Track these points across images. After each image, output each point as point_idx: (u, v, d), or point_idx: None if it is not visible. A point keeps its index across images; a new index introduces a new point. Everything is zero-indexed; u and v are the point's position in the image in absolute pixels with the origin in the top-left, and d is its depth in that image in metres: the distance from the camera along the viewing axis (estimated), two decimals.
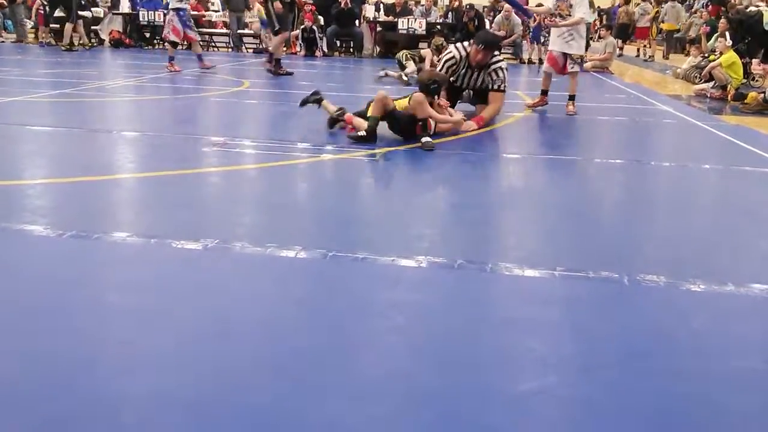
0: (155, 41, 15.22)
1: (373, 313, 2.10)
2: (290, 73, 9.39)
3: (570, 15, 6.35)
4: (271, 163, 4.20)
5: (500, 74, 5.73)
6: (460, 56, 5.73)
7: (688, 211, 3.51)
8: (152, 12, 14.80)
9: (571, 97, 6.64)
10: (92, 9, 14.97)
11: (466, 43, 5.82)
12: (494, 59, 5.74)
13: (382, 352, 1.85)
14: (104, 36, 15.30)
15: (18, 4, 14.89)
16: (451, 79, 5.72)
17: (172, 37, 9.71)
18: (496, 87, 5.75)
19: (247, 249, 2.59)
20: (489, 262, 2.50)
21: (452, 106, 5.64)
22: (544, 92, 6.82)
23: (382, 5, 16.22)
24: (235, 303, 2.14)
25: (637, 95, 8.57)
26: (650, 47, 16.75)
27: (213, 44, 15.59)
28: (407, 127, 4.75)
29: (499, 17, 13.44)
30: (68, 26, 13.30)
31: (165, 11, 11.44)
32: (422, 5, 16.39)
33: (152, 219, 3.06)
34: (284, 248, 2.58)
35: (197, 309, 2.09)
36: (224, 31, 15.96)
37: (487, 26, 13.42)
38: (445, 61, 5.78)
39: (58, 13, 13.70)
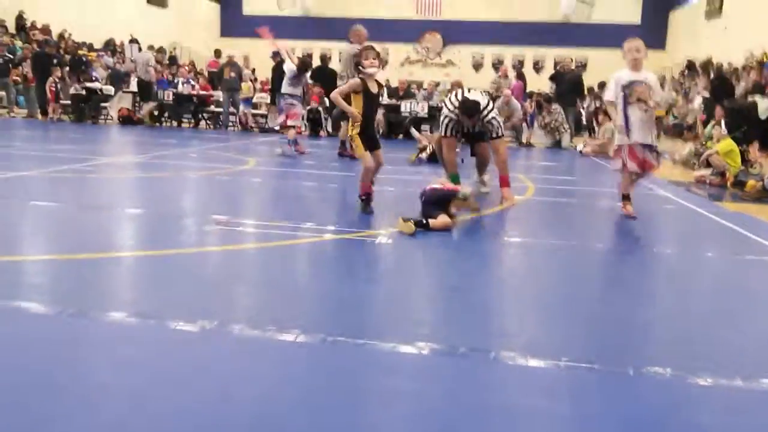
0: (162, 119, 15.60)
1: (373, 401, 2.04)
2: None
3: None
4: (272, 242, 4.19)
5: (494, 123, 6.09)
6: (454, 112, 6.03)
7: (693, 300, 3.47)
8: (162, 91, 15.25)
9: (626, 197, 5.67)
10: (102, 88, 15.43)
11: (452, 97, 6.15)
12: (484, 113, 6.00)
13: None
14: (113, 113, 15.69)
15: (31, 82, 15.35)
16: (456, 133, 6.22)
17: (291, 122, 9.90)
18: (495, 135, 6.11)
19: (245, 332, 2.55)
20: (492, 350, 2.45)
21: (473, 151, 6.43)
22: (627, 197, 5.67)
23: (386, 89, 16.69)
24: (231, 388, 2.08)
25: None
26: None
27: (220, 123, 15.93)
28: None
29: (499, 102, 13.81)
30: (149, 105, 14.25)
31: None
32: (425, 89, 16.90)
33: (151, 298, 3.02)
34: (283, 331, 2.54)
35: (192, 393, 2.03)
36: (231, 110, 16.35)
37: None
38: (446, 125, 6.15)
39: (72, 91, 14.13)
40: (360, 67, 5.14)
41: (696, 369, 2.34)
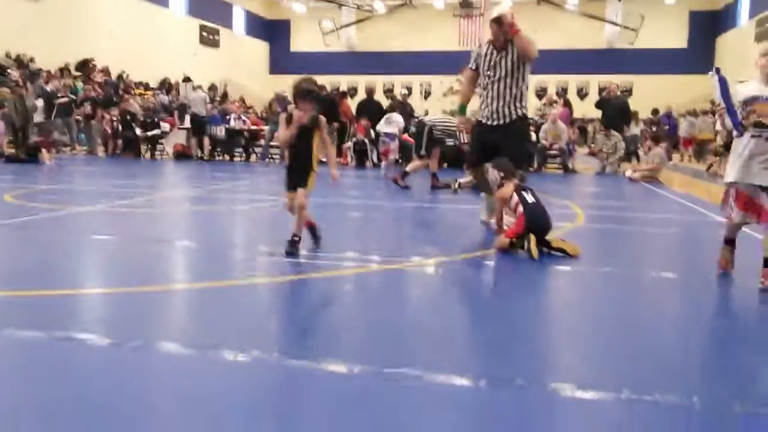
0: (215, 153, 16.03)
1: None
2: (407, 187, 9.42)
3: None
4: (321, 273, 4.24)
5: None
6: (481, 47, 5.81)
7: (757, 332, 3.35)
8: (214, 127, 15.71)
9: (729, 241, 4.32)
10: (161, 125, 16.06)
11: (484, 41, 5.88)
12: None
13: None
14: (169, 149, 16.23)
15: (93, 122, 16.08)
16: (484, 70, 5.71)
17: (392, 156, 10.02)
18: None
19: (290, 362, 2.58)
20: (550, 383, 2.41)
21: (478, 163, 5.79)
22: (731, 242, 4.31)
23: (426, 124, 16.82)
24: (284, 423, 2.11)
25: (689, 206, 8.47)
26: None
27: (270, 156, 16.25)
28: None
29: (546, 124, 13.74)
30: (205, 140, 15.02)
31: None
32: (470, 119, 16.91)
33: (207, 329, 3.09)
34: (335, 363, 2.56)
35: (238, 424, 2.07)
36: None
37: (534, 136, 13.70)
38: (472, 55, 5.91)
39: (128, 130, 14.76)
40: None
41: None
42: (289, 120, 4.55)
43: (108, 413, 2.12)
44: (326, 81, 25.67)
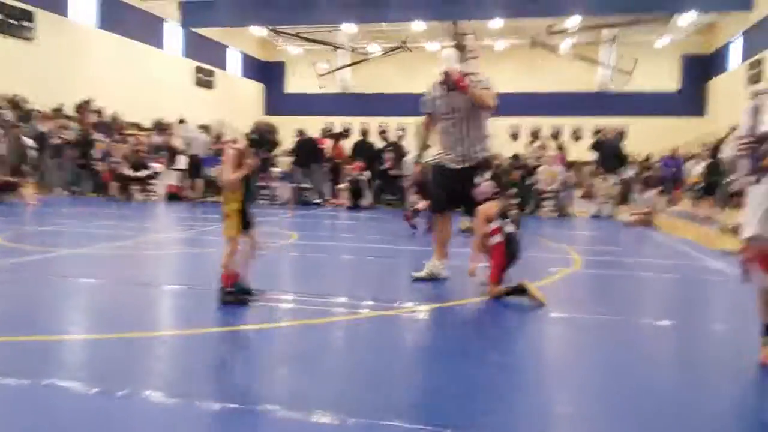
0: (207, 194, 16.00)
1: None
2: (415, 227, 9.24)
3: None
4: (313, 320, 4.15)
5: (481, 78, 5.44)
6: (435, 82, 5.58)
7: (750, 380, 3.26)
8: (208, 169, 15.71)
9: None
10: (150, 166, 16.03)
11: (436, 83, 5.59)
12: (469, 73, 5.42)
13: None
14: (160, 190, 16.18)
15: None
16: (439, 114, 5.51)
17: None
18: (482, 86, 5.40)
19: (278, 413, 2.49)
20: None
21: (454, 209, 5.65)
22: None
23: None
24: None
25: (685, 250, 8.43)
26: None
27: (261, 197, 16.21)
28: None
29: (542, 167, 13.84)
30: (198, 182, 14.97)
31: None
32: None
33: (186, 378, 2.99)
34: (319, 414, 2.47)
35: None
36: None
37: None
38: (423, 102, 5.68)
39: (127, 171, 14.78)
40: (259, 153, 4.59)
41: None
42: (239, 159, 4.40)
43: None
44: (320, 122, 25.82)
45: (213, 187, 15.91)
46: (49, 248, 6.78)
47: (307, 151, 15.22)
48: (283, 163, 16.37)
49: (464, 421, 2.45)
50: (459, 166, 5.44)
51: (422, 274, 5.43)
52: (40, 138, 15.55)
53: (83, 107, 20.87)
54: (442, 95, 5.48)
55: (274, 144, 4.70)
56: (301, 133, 16.31)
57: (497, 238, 4.83)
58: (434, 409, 2.63)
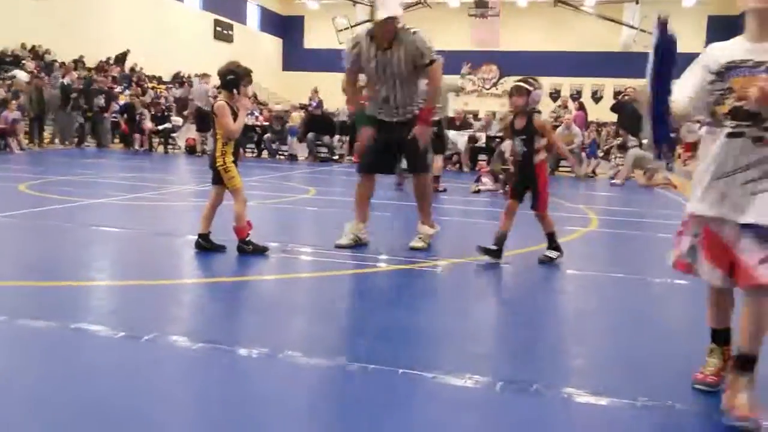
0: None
1: None
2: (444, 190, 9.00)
3: None
4: (330, 272, 4.23)
5: (423, 41, 4.61)
6: (362, 38, 4.71)
7: None
8: None
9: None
10: (172, 119, 16.08)
11: (369, 24, 4.76)
12: (404, 28, 4.62)
13: None
14: (181, 143, 16.27)
15: (105, 116, 16.10)
16: (362, 73, 4.81)
17: None
18: (427, 60, 4.62)
19: (300, 359, 2.57)
20: (566, 388, 2.38)
21: (383, 171, 5.15)
22: (721, 334, 2.79)
23: (442, 120, 16.78)
24: (278, 417, 2.10)
25: None
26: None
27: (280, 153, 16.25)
28: None
29: (560, 128, 13.69)
30: (203, 136, 14.68)
31: None
32: (481, 119, 16.87)
33: (209, 324, 3.09)
34: (338, 360, 2.55)
35: (231, 419, 2.05)
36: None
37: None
38: (349, 48, 4.81)
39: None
40: (236, 90, 4.48)
41: None
42: (230, 109, 4.39)
43: (118, 403, 2.11)
44: (338, 79, 25.59)
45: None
46: (73, 198, 6.91)
47: (318, 125, 15.09)
48: (294, 118, 16.37)
49: (486, 372, 2.52)
50: (395, 119, 4.83)
51: (346, 241, 4.88)
52: (63, 90, 15.63)
53: (120, 59, 20.91)
54: (375, 56, 4.67)
55: (246, 73, 4.54)
56: (311, 100, 16.22)
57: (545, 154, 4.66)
58: (450, 360, 2.70)
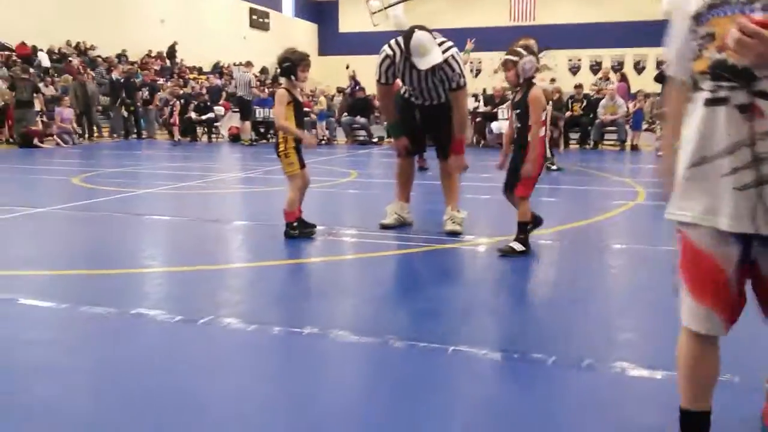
0: (268, 136, 16.23)
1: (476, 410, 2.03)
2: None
3: None
4: (376, 252, 4.27)
5: (454, 66, 4.51)
6: (394, 52, 4.58)
7: None
8: (267, 109, 15.87)
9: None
10: (214, 109, 16.34)
11: (399, 38, 4.60)
12: (440, 42, 4.52)
13: None
14: (224, 131, 16.51)
15: (150, 108, 16.46)
16: (400, 86, 4.75)
17: None
18: (454, 85, 4.59)
19: (349, 338, 2.63)
20: (617, 362, 2.38)
21: (418, 152, 5.15)
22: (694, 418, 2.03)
23: (481, 97, 16.59)
24: (331, 394, 2.15)
25: None
26: None
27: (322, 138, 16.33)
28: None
29: (604, 99, 13.43)
30: (246, 124, 14.85)
31: None
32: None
33: (261, 306, 3.17)
34: (388, 338, 2.59)
35: (292, 397, 2.11)
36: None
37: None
38: (380, 64, 4.67)
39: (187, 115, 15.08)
40: (293, 77, 4.55)
41: None
42: (288, 98, 4.49)
43: (177, 384, 2.20)
44: (374, 62, 25.54)
45: (256, 130, 15.87)
46: (124, 189, 7.12)
47: (358, 108, 15.13)
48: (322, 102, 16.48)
49: (536, 348, 2.53)
50: (427, 103, 4.79)
51: (390, 221, 4.94)
52: (111, 84, 16.04)
53: (170, 54, 21.35)
54: (407, 68, 4.58)
55: (302, 58, 4.61)
56: (353, 82, 16.24)
57: (543, 131, 4.18)
58: (502, 337, 2.72)
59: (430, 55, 4.37)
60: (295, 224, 4.58)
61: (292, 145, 4.57)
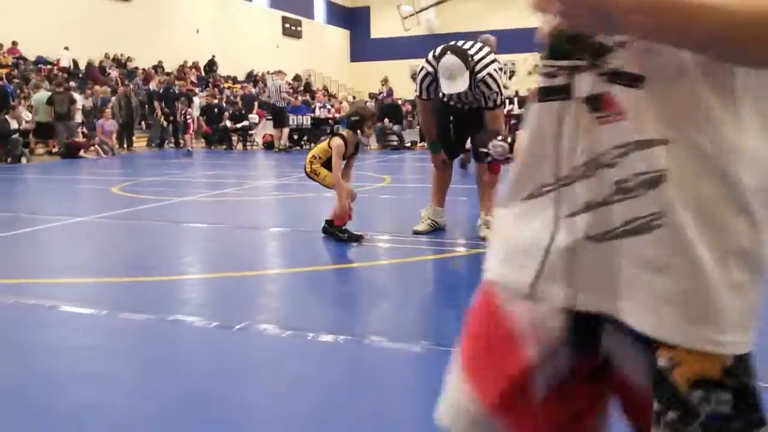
0: (302, 144, 16.37)
1: None
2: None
3: None
4: (410, 258, 4.26)
5: (491, 84, 4.41)
6: (434, 67, 4.46)
7: None
8: (300, 116, 16.01)
9: None
10: (249, 117, 16.56)
11: (438, 49, 4.53)
12: (479, 59, 4.37)
13: None
14: (258, 139, 16.72)
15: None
16: (441, 97, 4.58)
17: None
18: (491, 104, 4.51)
19: (384, 344, 2.61)
20: None
21: (454, 158, 5.02)
22: None
23: (516, 99, 16.47)
24: (368, 400, 2.13)
25: None
26: None
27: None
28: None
29: None
30: (284, 131, 15.13)
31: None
32: None
33: (297, 312, 3.17)
34: (421, 345, 2.57)
35: (327, 405, 2.10)
36: None
37: None
38: (421, 81, 4.58)
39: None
40: (359, 132, 4.65)
41: None
42: (345, 149, 4.59)
43: (214, 389, 2.22)
44: (406, 66, 25.56)
45: (308, 134, 16.06)
46: (162, 197, 7.24)
47: (388, 114, 15.20)
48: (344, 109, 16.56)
49: None
50: (465, 107, 4.68)
51: (424, 227, 4.87)
52: (149, 95, 16.39)
53: (208, 68, 21.70)
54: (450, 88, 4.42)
55: (371, 114, 4.79)
56: (384, 87, 16.29)
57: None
58: None
59: (455, 82, 4.31)
60: (344, 228, 4.62)
61: (319, 164, 4.69)
